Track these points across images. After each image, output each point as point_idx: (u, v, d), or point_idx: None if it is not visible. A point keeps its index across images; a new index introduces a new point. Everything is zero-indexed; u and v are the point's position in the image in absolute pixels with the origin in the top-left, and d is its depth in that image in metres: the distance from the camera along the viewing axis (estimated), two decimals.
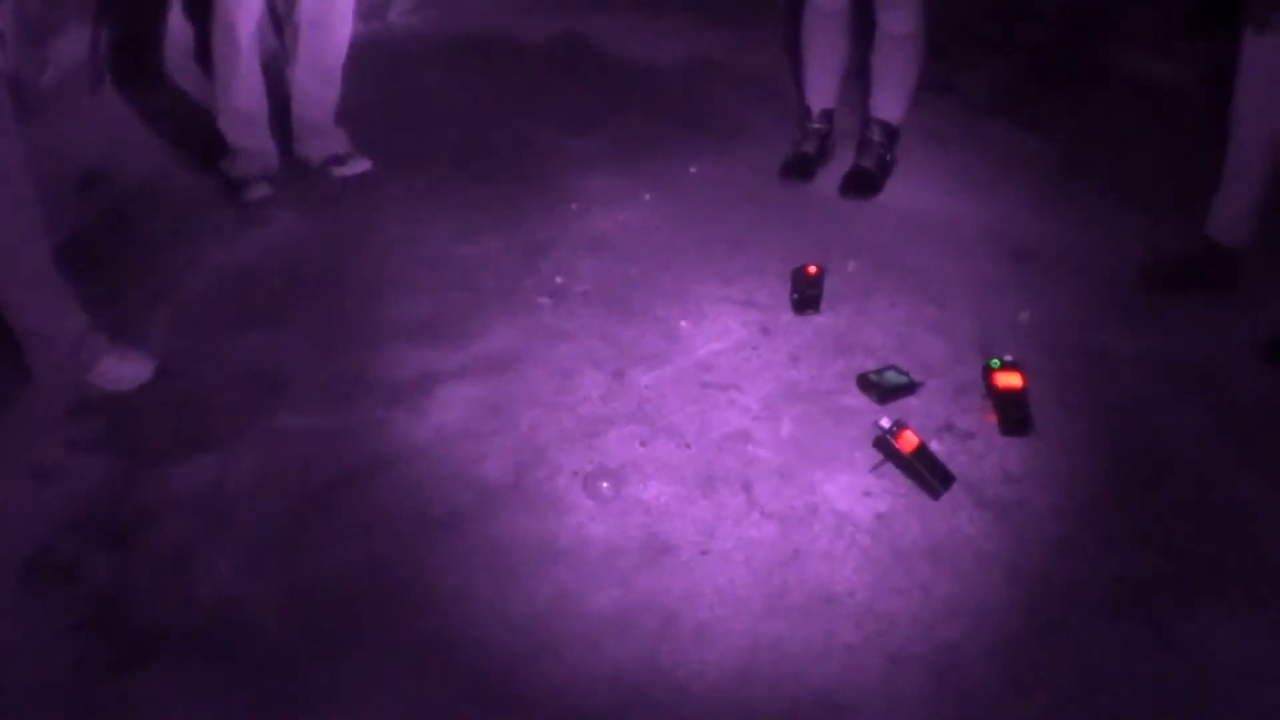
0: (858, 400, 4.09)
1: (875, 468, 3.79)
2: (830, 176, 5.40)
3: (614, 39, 6.73)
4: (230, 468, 3.75)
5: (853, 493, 3.72)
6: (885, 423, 3.83)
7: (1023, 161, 5.65)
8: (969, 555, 3.52)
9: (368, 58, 5.42)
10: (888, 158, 5.37)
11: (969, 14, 5.00)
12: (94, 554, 3.46)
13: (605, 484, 3.71)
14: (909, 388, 4.11)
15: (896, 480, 3.76)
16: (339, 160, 5.33)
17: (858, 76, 5.39)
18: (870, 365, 4.21)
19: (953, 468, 3.77)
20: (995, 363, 4.11)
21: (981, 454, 3.89)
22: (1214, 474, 3.87)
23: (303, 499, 3.66)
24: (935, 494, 3.70)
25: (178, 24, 5.59)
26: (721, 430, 3.95)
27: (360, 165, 5.34)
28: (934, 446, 3.82)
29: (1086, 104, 6.15)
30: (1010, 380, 4.06)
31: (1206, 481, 3.84)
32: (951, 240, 5.01)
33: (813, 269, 4.55)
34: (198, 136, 5.22)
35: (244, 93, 5.03)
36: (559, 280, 4.64)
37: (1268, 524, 3.69)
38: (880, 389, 4.09)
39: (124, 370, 4.13)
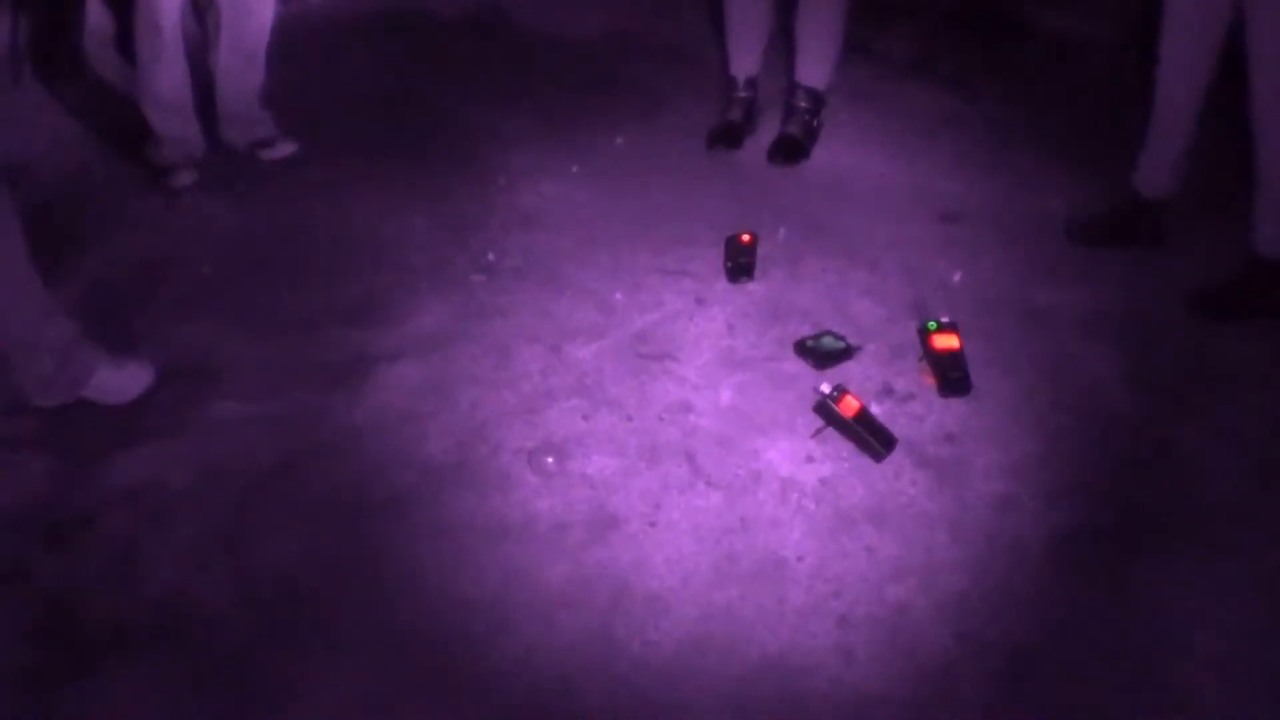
0: (796, 366, 4.11)
1: (817, 433, 3.81)
2: (758, 144, 5.41)
3: (530, 10, 6.74)
4: (169, 461, 3.71)
5: (795, 458, 3.74)
6: (825, 388, 3.85)
7: (944, 121, 5.70)
8: (913, 516, 3.55)
9: (289, 39, 5.39)
10: (814, 123, 5.39)
11: None
12: (36, 555, 3.41)
13: (550, 459, 3.70)
14: (846, 352, 4.13)
15: (839, 445, 3.78)
16: (265, 144, 5.29)
17: (781, 42, 5.39)
18: (807, 331, 4.22)
19: (894, 430, 3.78)
20: (932, 325, 4.14)
21: (921, 415, 3.92)
22: (1150, 425, 3.92)
23: (244, 489, 3.62)
24: (878, 457, 3.72)
25: (97, 10, 5.54)
26: (662, 401, 3.96)
27: (286, 148, 5.30)
28: (874, 410, 3.84)
29: (1004, 62, 6.20)
30: (948, 342, 4.09)
31: (1143, 433, 3.89)
32: (879, 203, 5.05)
33: (746, 237, 4.56)
34: (120, 124, 5.18)
35: (167, 79, 4.98)
36: (490, 257, 4.63)
37: (1203, 470, 3.74)
38: (818, 355, 4.11)
39: (122, 380, 3.95)
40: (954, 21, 6.53)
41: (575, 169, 5.23)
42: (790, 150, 5.33)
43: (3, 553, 3.43)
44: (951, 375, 4.03)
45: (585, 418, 3.88)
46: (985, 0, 6.63)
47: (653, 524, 3.50)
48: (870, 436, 3.74)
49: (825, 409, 3.83)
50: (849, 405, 3.79)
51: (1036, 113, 5.74)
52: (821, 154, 5.37)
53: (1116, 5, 6.16)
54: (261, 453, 3.76)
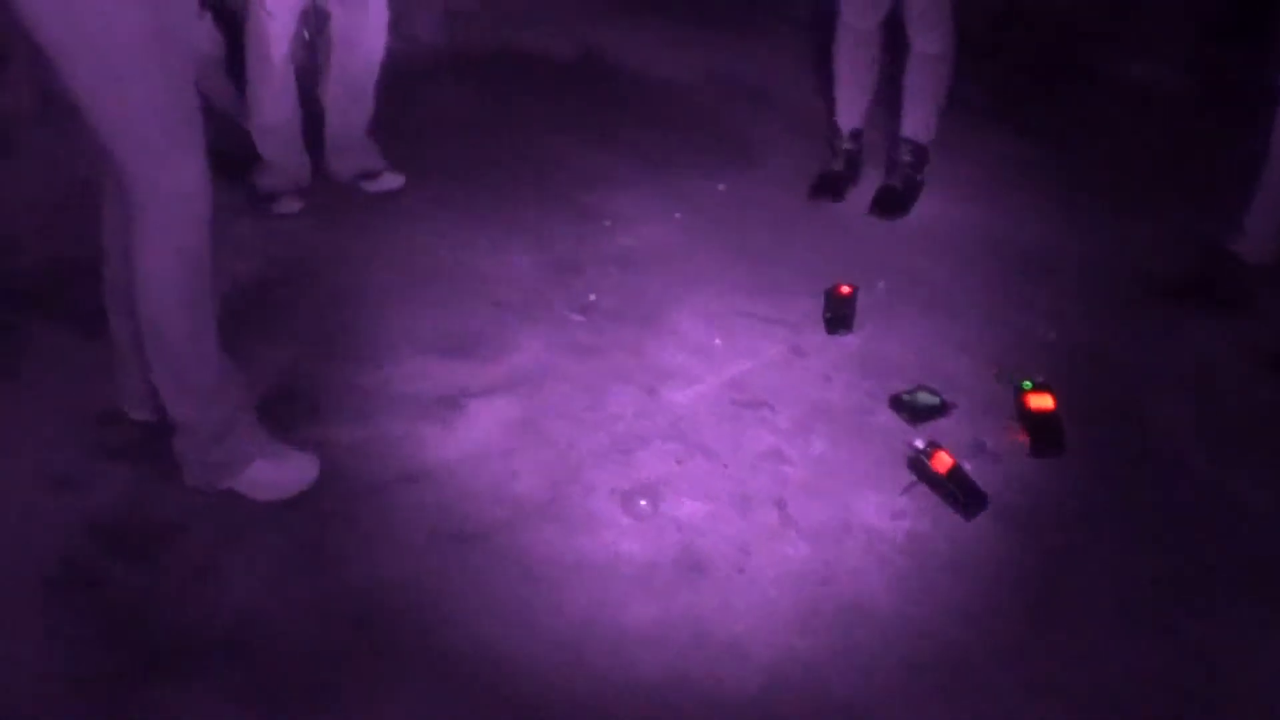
0: (889, 420, 4.11)
1: (907, 489, 3.80)
2: (859, 194, 5.41)
3: (633, 54, 6.75)
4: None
5: (884, 512, 3.74)
6: (919, 443, 3.86)
7: (1024, 170, 5.74)
8: (995, 572, 3.56)
9: (397, 73, 5.42)
10: (917, 177, 5.38)
11: (962, 22, 5.01)
12: (117, 565, 3.43)
13: (642, 501, 3.71)
14: (941, 408, 4.12)
15: (928, 500, 3.78)
16: (370, 175, 5.32)
17: (887, 96, 5.39)
18: (901, 385, 4.22)
19: (983, 488, 3.78)
20: (1027, 384, 4.12)
21: (1011, 474, 3.91)
22: (1223, 479, 3.95)
23: (329, 513, 3.64)
24: (968, 515, 3.71)
25: (208, 35, 5.60)
26: (755, 449, 3.96)
27: (391, 181, 5.34)
28: (965, 466, 3.83)
29: (1083, 110, 6.20)
30: (1042, 402, 4.08)
31: (1215, 487, 3.92)
32: (968, 254, 5.08)
33: (845, 289, 4.56)
34: (228, 149, 5.23)
35: (276, 106, 5.04)
36: (591, 297, 4.65)
37: (1269, 527, 3.79)
38: (913, 409, 4.11)
39: (281, 476, 3.70)
40: (1033, 70, 6.50)
41: (677, 215, 5.24)
42: (892, 203, 5.33)
43: (83, 559, 3.44)
44: (1045, 436, 4.02)
45: (678, 461, 3.89)
46: (1064, 49, 6.60)
47: (740, 570, 3.51)
48: (962, 494, 3.74)
49: (918, 464, 3.83)
50: (942, 461, 3.79)
51: (1115, 161, 5.75)
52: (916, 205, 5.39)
53: (1196, 56, 6.14)
54: (350, 479, 3.77)
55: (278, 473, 3.67)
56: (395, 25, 5.20)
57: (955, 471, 3.78)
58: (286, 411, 4.00)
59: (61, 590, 3.34)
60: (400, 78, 5.49)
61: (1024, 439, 4.05)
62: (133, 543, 3.50)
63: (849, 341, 4.48)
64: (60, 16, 3.00)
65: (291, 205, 5.11)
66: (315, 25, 5.21)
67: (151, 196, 3.23)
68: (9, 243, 4.56)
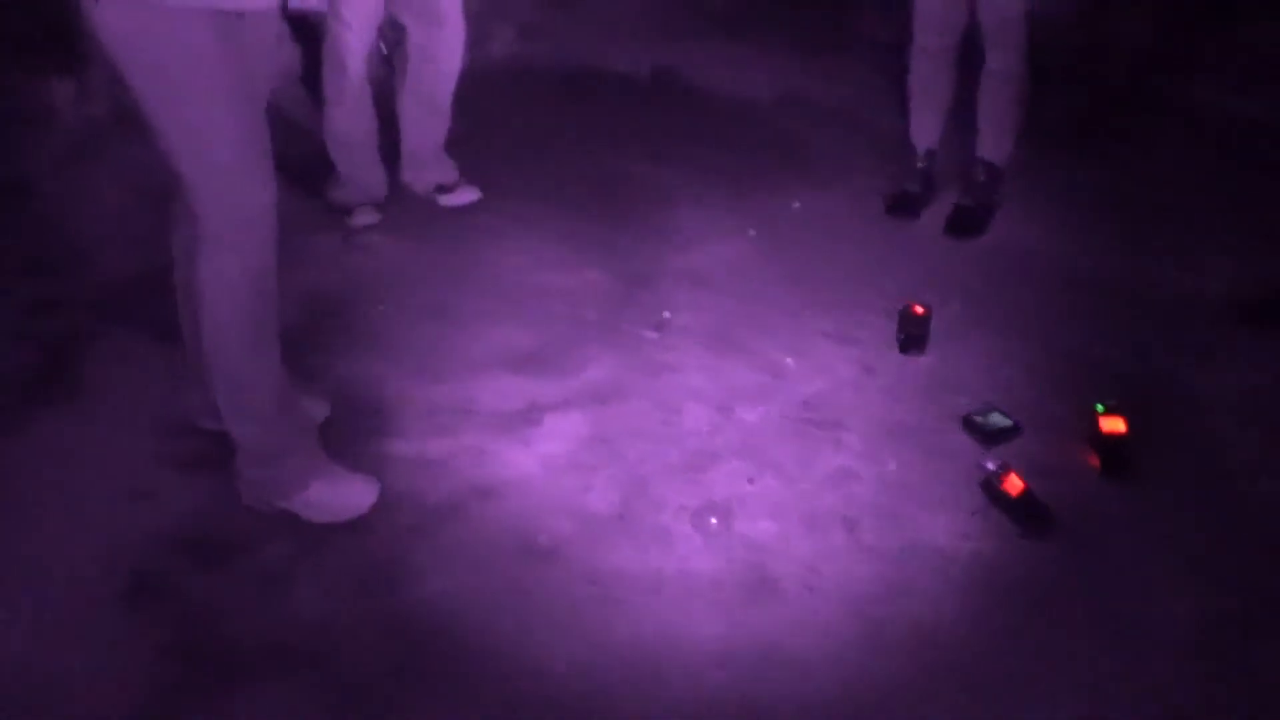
0: (961, 441, 4.09)
1: (977, 511, 3.78)
2: (934, 214, 5.41)
3: (706, 71, 6.77)
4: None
5: (954, 533, 3.72)
6: (990, 465, 3.84)
7: (1102, 195, 5.69)
8: (1062, 597, 3.53)
9: (472, 88, 5.45)
10: (992, 198, 5.37)
11: (1042, 49, 4.99)
12: (191, 576, 3.46)
13: (713, 519, 3.71)
14: (1013, 430, 4.10)
15: (997, 521, 3.76)
16: (446, 189, 5.36)
17: (963, 116, 5.37)
18: (973, 406, 4.20)
19: (1053, 511, 3.77)
20: (1100, 407, 4.10)
21: (1081, 498, 3.88)
22: None
23: (404, 526, 3.67)
24: (1038, 537, 3.69)
25: (285, 48, 5.65)
26: (826, 468, 3.96)
27: (467, 195, 5.38)
28: (1036, 489, 3.81)
29: (1164, 140, 6.14)
30: (1114, 425, 4.06)
31: None
32: (1044, 278, 5.04)
33: (919, 309, 4.54)
34: (304, 161, 5.28)
35: (353, 120, 5.08)
36: (665, 314, 4.66)
37: None
38: (985, 431, 4.09)
39: (337, 499, 3.68)
40: (1114, 98, 6.46)
41: (751, 232, 5.25)
42: (968, 223, 5.33)
43: (157, 569, 3.48)
44: (1116, 459, 4.00)
45: (750, 480, 3.89)
46: (1145, 78, 6.56)
47: (809, 589, 3.50)
48: (1032, 517, 3.72)
49: (989, 486, 3.82)
50: (1013, 484, 3.78)
51: (1197, 192, 5.69)
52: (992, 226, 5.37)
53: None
54: (426, 492, 3.80)
55: (334, 496, 3.68)
56: (471, 41, 5.23)
57: (1026, 494, 3.77)
58: (361, 425, 4.04)
59: (136, 600, 3.38)
60: (475, 93, 5.52)
61: (1095, 462, 4.03)
62: (207, 553, 3.54)
63: (922, 362, 4.47)
64: (135, 39, 3.04)
65: (367, 218, 5.15)
66: (392, 40, 5.25)
67: (217, 218, 3.26)
68: (87, 250, 4.61)
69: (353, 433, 3.99)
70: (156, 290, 3.85)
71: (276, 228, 3.36)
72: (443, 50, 5.12)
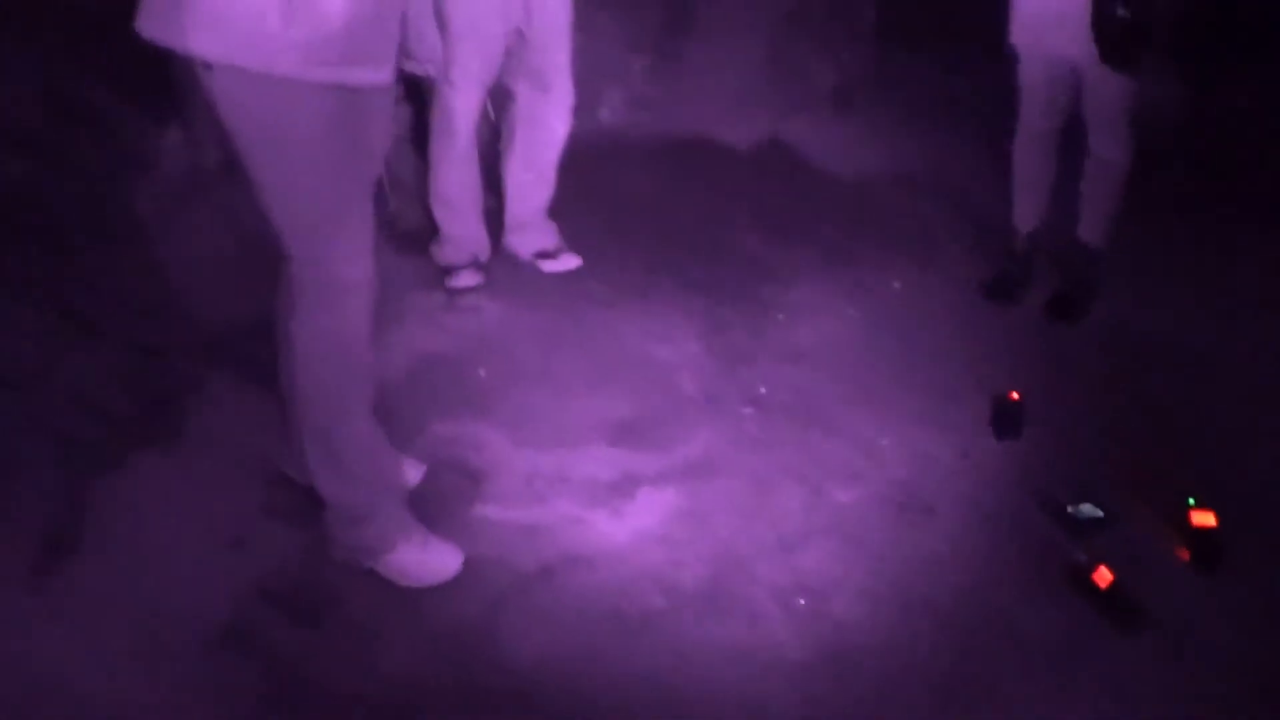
0: (1053, 530, 4.08)
1: (1066, 601, 3.77)
2: (1034, 298, 5.39)
3: (815, 144, 6.75)
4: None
5: (1041, 623, 3.71)
6: (1081, 556, 3.84)
7: (1202, 276, 5.66)
8: (1152, 692, 3.51)
9: (578, 155, 5.47)
10: (1092, 280, 5.34)
11: (1146, 126, 4.97)
12: (281, 626, 3.50)
13: (801, 599, 3.70)
14: (1105, 521, 4.08)
15: (1086, 612, 3.75)
16: (548, 255, 5.38)
17: (1064, 196, 5.35)
18: (1066, 496, 4.17)
19: (1143, 603, 3.75)
20: (1191, 500, 4.07)
21: (1171, 590, 3.87)
22: None
23: (495, 590, 3.68)
24: (1127, 631, 3.68)
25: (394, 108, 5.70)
26: (916, 551, 3.95)
27: (569, 261, 5.39)
28: (1126, 581, 3.78)
29: (1270, 219, 6.04)
30: (1205, 519, 4.04)
31: None
32: (1143, 360, 5.03)
33: (1015, 395, 4.52)
34: (410, 220, 5.32)
35: (458, 182, 5.12)
36: (761, 390, 4.66)
37: None
38: (1076, 521, 4.08)
39: (423, 566, 3.70)
40: (1220, 173, 6.40)
41: (852, 311, 5.23)
42: (1067, 307, 5.31)
43: (247, 616, 3.51)
44: (1207, 553, 3.98)
45: (841, 562, 3.88)
46: (1253, 152, 6.48)
47: (894, 671, 3.51)
48: (1120, 609, 3.71)
49: (1079, 577, 3.81)
50: (1103, 576, 3.77)
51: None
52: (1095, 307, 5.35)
53: None
54: (518, 557, 3.82)
55: (420, 561, 3.70)
56: (579, 107, 5.26)
57: (1115, 586, 3.75)
58: (455, 488, 4.07)
59: (225, 647, 3.41)
60: (582, 159, 5.54)
61: (1186, 555, 4.01)
62: (298, 605, 3.57)
63: (1016, 447, 4.45)
64: (247, 107, 3.07)
65: (469, 280, 5.17)
66: (500, 104, 5.28)
67: (315, 285, 3.30)
68: (192, 296, 4.64)
69: (447, 495, 4.02)
70: (259, 339, 3.88)
71: (374, 294, 3.39)
72: (550, 116, 5.16)
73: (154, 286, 4.53)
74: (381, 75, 3.12)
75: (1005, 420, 4.51)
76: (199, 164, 4.81)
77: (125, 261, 4.48)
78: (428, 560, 3.70)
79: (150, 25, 3.05)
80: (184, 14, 2.97)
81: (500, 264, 5.34)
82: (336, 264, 3.27)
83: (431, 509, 3.89)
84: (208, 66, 3.03)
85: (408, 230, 5.34)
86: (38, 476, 3.62)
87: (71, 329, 4.04)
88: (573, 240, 5.45)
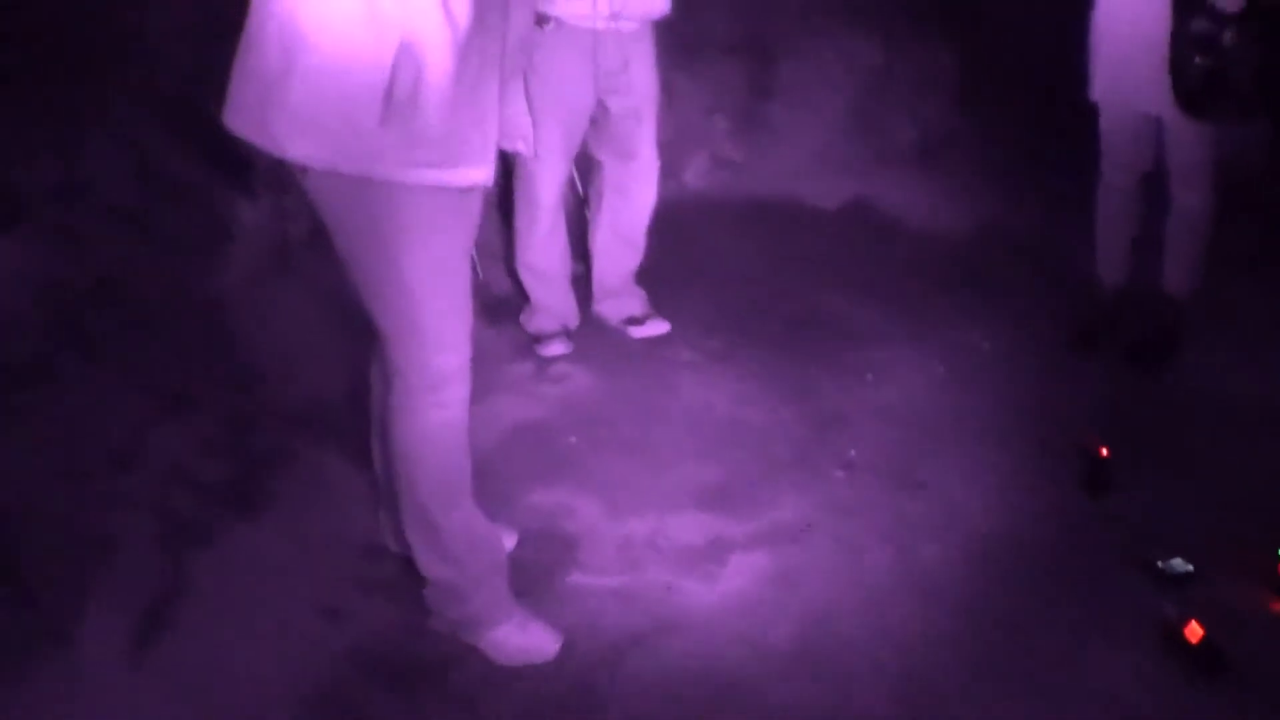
0: (1142, 584, 4.05)
1: (1155, 654, 3.74)
2: (1119, 348, 5.37)
3: (898, 201, 6.77)
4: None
5: (1131, 677, 3.68)
6: (1171, 610, 3.81)
7: None
8: None
9: (664, 219, 5.50)
10: (1177, 332, 5.33)
11: (1231, 177, 4.94)
12: (376, 697, 3.52)
13: (891, 659, 3.70)
14: (1195, 576, 4.05)
15: (1175, 668, 3.72)
16: (636, 321, 5.42)
17: (1148, 248, 5.34)
18: (1154, 549, 4.14)
19: (1232, 659, 3.70)
20: None
21: (1262, 644, 3.82)
22: None
23: (588, 658, 3.70)
24: (1215, 686, 3.64)
25: None
26: (1010, 610, 3.94)
27: (657, 327, 5.42)
28: (1217, 637, 3.75)
29: None
30: None
31: None
32: (1230, 414, 4.96)
33: (1104, 450, 4.50)
34: (499, 288, 5.37)
35: (545, 250, 5.18)
36: (851, 453, 4.66)
37: None
38: (1165, 576, 4.05)
39: (522, 646, 3.69)
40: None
41: (940, 369, 5.24)
42: (1151, 359, 5.30)
43: (344, 689, 3.53)
44: None
45: (931, 620, 3.88)
46: None
47: None
48: (1211, 664, 3.68)
49: (1169, 631, 3.78)
50: (1193, 631, 3.73)
51: None
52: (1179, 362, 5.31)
53: None
54: (611, 624, 3.83)
55: (521, 641, 3.69)
56: (664, 171, 5.30)
57: (1206, 641, 3.72)
58: (548, 555, 4.10)
59: (323, 716, 3.44)
60: (668, 224, 5.58)
61: (1277, 609, 3.98)
62: (393, 675, 3.60)
63: (1106, 502, 4.43)
64: (347, 208, 3.12)
65: (559, 348, 5.22)
66: (587, 172, 5.33)
67: (412, 375, 3.33)
68: (284, 367, 4.71)
69: (540, 562, 4.05)
70: (353, 409, 3.94)
71: (469, 386, 3.43)
72: (636, 184, 5.21)
73: (245, 358, 4.59)
74: (482, 175, 3.14)
75: (1094, 476, 4.49)
76: (287, 236, 4.88)
77: (216, 333, 4.55)
78: (527, 642, 3.70)
79: (240, 123, 3.09)
80: (275, 114, 3.00)
81: (589, 330, 5.39)
82: (435, 354, 3.30)
83: (525, 576, 3.92)
84: (303, 170, 3.09)
85: (497, 298, 5.39)
86: (135, 551, 3.65)
87: (164, 402, 4.10)
88: (661, 305, 5.49)
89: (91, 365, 3.85)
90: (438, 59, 2.95)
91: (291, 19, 2.96)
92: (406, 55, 2.92)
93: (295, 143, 3.00)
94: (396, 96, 2.94)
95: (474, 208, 3.29)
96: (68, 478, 3.71)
